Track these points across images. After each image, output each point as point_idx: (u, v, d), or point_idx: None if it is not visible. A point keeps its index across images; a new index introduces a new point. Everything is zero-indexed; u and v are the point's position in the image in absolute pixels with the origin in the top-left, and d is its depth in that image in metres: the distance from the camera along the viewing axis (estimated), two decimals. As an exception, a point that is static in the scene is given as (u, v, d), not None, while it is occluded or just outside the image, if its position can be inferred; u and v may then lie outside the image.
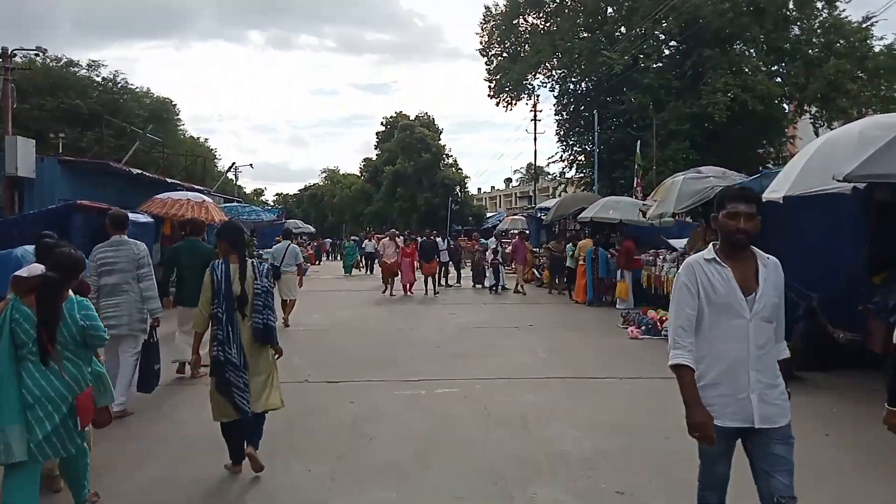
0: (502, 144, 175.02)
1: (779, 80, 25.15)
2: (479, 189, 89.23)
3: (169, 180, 18.24)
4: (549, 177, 59.06)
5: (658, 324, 10.83)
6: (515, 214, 35.39)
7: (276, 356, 4.86)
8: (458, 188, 60.32)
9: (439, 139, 62.19)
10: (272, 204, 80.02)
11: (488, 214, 64.63)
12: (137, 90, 48.11)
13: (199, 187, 19.96)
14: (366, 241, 28.55)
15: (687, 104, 25.11)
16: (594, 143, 29.13)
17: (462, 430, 5.64)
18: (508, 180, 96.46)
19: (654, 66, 26.18)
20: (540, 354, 9.25)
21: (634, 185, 23.63)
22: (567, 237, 19.55)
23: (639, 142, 24.17)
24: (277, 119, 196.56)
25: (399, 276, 17.55)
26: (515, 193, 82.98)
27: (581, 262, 16.03)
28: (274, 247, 13.04)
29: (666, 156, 24.79)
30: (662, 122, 25.73)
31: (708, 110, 23.96)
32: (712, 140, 26.82)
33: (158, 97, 49.50)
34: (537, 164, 39.50)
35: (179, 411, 6.48)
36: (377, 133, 69.31)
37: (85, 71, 43.49)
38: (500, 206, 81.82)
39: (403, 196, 59.23)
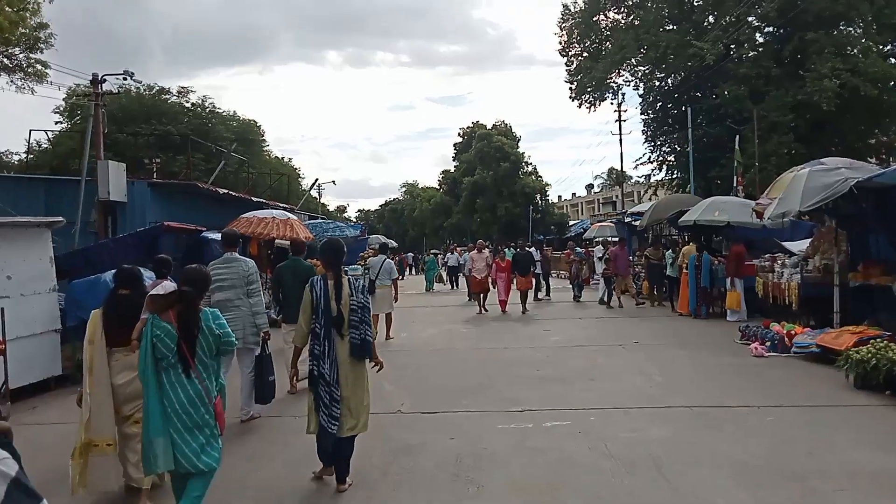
0: (582, 151, 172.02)
1: (893, 60, 22.75)
2: (560, 197, 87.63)
3: (255, 199, 18.26)
4: (633, 180, 57.07)
5: (786, 339, 9.57)
6: (602, 221, 33.95)
7: (377, 368, 4.90)
8: (538, 196, 59.10)
9: (517, 147, 61.20)
10: (354, 220, 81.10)
11: (571, 222, 63.10)
12: (224, 114, 49.88)
13: (284, 205, 19.93)
14: (448, 255, 27.73)
15: (789, 93, 23.20)
16: (685, 141, 27.47)
17: (585, 479, 4.77)
18: (590, 186, 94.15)
19: (750, 54, 24.36)
20: (654, 377, 8.23)
21: (735, 185, 22.00)
22: (663, 243, 18.27)
23: (738, 137, 22.51)
24: (357, 136, 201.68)
25: (488, 291, 16.29)
26: (598, 199, 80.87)
27: (685, 271, 14.78)
28: (370, 260, 13.34)
29: (768, 151, 23.04)
30: (762, 115, 23.94)
31: (814, 98, 22.00)
32: (818, 131, 24.78)
33: (244, 119, 51.06)
34: (622, 168, 37.06)
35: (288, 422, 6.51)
36: (454, 144, 69.22)
37: (175, 98, 45.32)
38: (582, 214, 79.97)
39: (483, 207, 58.54)
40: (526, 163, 60.66)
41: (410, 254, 54.23)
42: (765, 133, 23.51)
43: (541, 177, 61.07)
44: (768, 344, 9.71)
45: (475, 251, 16.82)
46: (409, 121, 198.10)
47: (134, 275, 4.98)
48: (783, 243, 14.36)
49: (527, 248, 17.41)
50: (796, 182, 10.01)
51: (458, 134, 68.19)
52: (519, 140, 62.43)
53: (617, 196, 76.89)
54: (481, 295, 16.23)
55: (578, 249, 20.35)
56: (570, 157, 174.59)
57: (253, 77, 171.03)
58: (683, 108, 29.41)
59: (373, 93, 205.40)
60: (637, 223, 25.43)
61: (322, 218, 23.70)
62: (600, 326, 13.36)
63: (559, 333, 12.37)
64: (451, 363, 9.64)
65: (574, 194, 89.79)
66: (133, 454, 4.59)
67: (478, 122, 65.85)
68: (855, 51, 22.88)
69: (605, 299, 17.11)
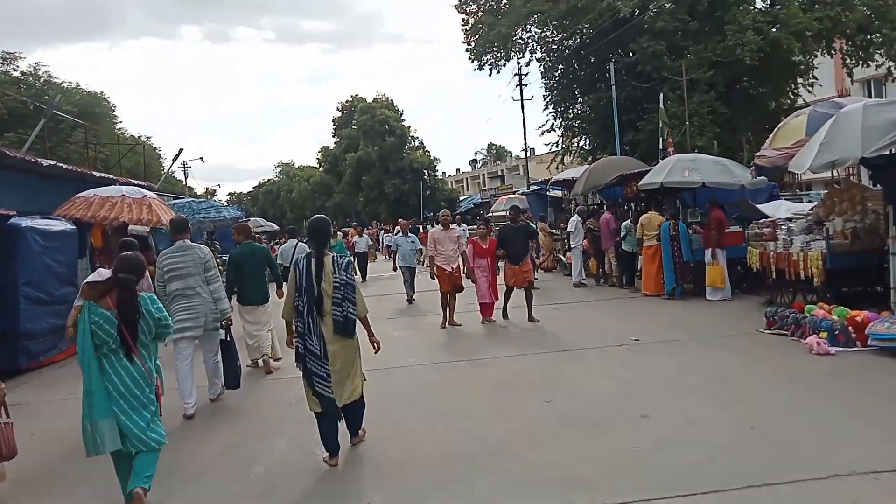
0: (459, 127, 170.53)
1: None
2: (444, 173, 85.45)
3: (97, 174, 13.88)
4: (514, 154, 55.63)
5: (849, 329, 7.21)
6: (512, 192, 31.57)
7: (375, 349, 5.01)
8: (427, 172, 56.27)
9: (403, 121, 57.95)
10: (226, 203, 74.68)
11: (461, 198, 61.00)
12: (64, 85, 42.82)
13: (139, 182, 15.63)
14: (355, 237, 22.16)
15: (708, 48, 21.60)
16: (598, 103, 25.50)
17: None
18: (474, 161, 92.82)
19: (667, 5, 22.54)
20: (731, 409, 5.51)
21: (662, 147, 20.13)
22: (589, 213, 15.91)
23: (661, 96, 20.64)
24: (222, 116, 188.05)
25: (461, 290, 10.57)
26: (483, 174, 79.38)
27: (649, 244, 12.39)
28: (282, 246, 12.44)
29: (689, 110, 21.32)
30: (679, 72, 22.25)
31: (736, 52, 20.46)
32: (732, 89, 23.51)
33: (89, 91, 44.27)
34: (525, 135, 35.01)
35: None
36: (333, 119, 64.76)
37: (0, 64, 38.10)
38: (468, 189, 78.22)
39: (369, 184, 54.98)
40: (412, 137, 57.55)
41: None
42: (683, 92, 21.85)
43: (428, 151, 58.21)
44: (825, 335, 7.31)
45: (439, 227, 10.72)
46: (278, 100, 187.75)
47: None
48: (761, 206, 12.38)
49: (520, 220, 11.30)
50: (845, 122, 7.63)
51: (337, 108, 63.80)
52: (402, 114, 59.19)
53: (502, 171, 76.27)
54: (451, 294, 10.39)
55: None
56: (446, 133, 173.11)
57: (101, 53, 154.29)
58: (592, 69, 27.51)
59: (237, 70, 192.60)
60: (555, 193, 23.28)
61: (191, 198, 19.09)
62: (572, 319, 10.61)
63: (530, 331, 9.55)
64: (417, 406, 6.52)
65: (458, 170, 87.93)
66: None
67: (357, 95, 61.82)
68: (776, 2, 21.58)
69: (582, 280, 14.62)
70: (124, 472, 4.01)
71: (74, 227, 10.62)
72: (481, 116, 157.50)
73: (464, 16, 28.70)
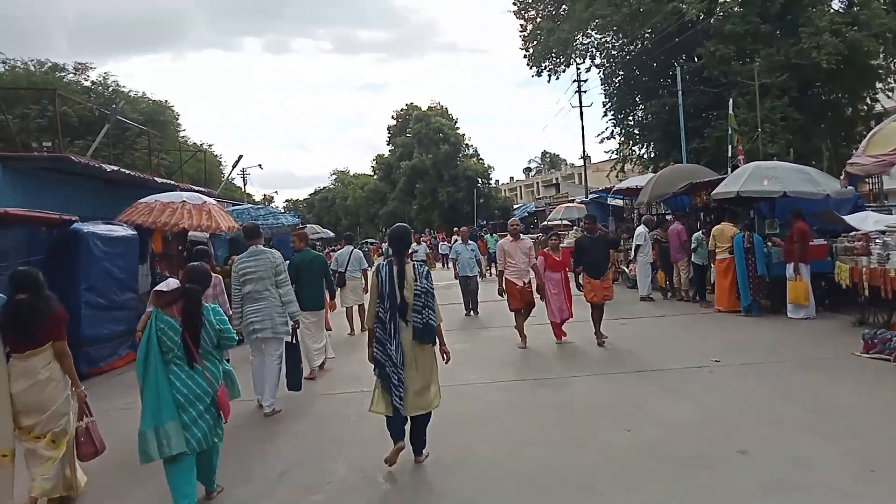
0: (513, 136, 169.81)
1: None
2: (497, 181, 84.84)
3: (159, 180, 13.98)
4: (569, 163, 54.72)
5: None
6: (570, 201, 30.86)
7: (445, 359, 5.00)
8: (480, 180, 55.82)
9: (457, 128, 57.74)
10: (283, 210, 75.90)
11: (514, 206, 60.33)
12: (131, 94, 44.13)
13: (199, 188, 15.72)
14: (413, 245, 22.24)
15: (780, 52, 20.57)
16: (662, 109, 24.61)
17: None
18: (528, 169, 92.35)
19: (735, 9, 21.61)
20: (843, 445, 4.90)
21: (731, 154, 19.20)
22: (656, 223, 15.12)
23: (730, 101, 19.71)
24: (279, 125, 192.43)
25: (533, 306, 9.46)
26: (538, 182, 78.57)
27: (722, 256, 11.68)
28: (336, 253, 12.61)
29: (760, 116, 20.33)
30: (750, 77, 21.28)
31: (812, 56, 19.40)
32: (805, 95, 22.35)
33: (154, 100, 45.50)
34: (584, 142, 34.26)
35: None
36: (388, 128, 65.08)
37: (73, 75, 39.45)
38: (521, 197, 77.47)
39: (423, 192, 54.90)
40: (467, 145, 57.24)
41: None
42: (754, 98, 20.87)
43: (482, 159, 57.81)
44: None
45: (508, 238, 9.60)
46: (333, 109, 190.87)
47: (30, 277, 4.52)
48: (848, 218, 11.51)
49: (599, 229, 10.33)
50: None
51: (392, 116, 64.20)
52: (457, 122, 58.99)
53: (556, 179, 75.30)
54: (523, 312, 9.40)
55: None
56: (501, 143, 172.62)
57: (166, 65, 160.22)
58: (654, 75, 26.66)
59: (294, 80, 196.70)
60: (616, 202, 22.52)
61: (250, 205, 19.12)
62: (642, 336, 9.99)
63: (599, 349, 8.99)
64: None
65: (512, 178, 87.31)
66: (37, 470, 4.32)
67: (412, 103, 61.94)
68: (855, 2, 20.41)
69: (649, 293, 13.89)
70: (178, 480, 4.08)
71: (135, 232, 10.60)
72: (535, 125, 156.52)
73: (522, 22, 28.28)
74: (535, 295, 9.36)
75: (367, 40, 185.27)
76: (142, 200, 11.62)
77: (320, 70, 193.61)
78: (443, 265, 26.66)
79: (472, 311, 13.05)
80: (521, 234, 9.55)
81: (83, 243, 9.02)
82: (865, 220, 11.80)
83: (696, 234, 12.72)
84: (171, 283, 4.29)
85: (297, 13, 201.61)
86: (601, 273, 9.26)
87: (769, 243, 11.30)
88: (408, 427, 4.89)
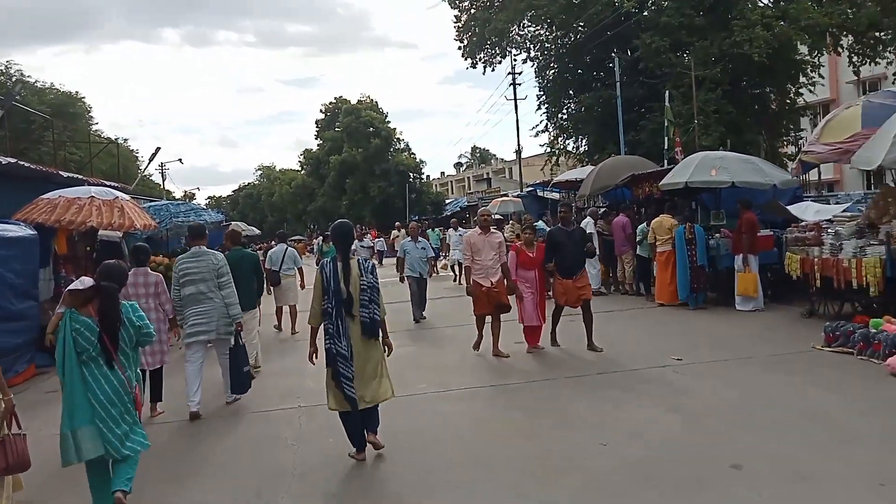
0: (444, 132, 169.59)
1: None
2: (428, 176, 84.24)
3: (65, 174, 12.59)
4: (499, 157, 54.72)
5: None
6: (504, 195, 30.49)
7: (387, 352, 5.03)
8: (412, 175, 55.04)
9: (388, 122, 56.72)
10: (205, 206, 72.95)
11: (447, 201, 59.87)
12: (37, 84, 41.12)
13: (112, 183, 14.36)
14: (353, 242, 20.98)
15: (714, 44, 20.75)
16: (597, 102, 24.53)
17: None
18: (459, 164, 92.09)
19: (668, 2, 21.69)
20: (840, 454, 4.48)
21: (668, 147, 19.22)
22: (599, 215, 14.80)
23: (667, 93, 19.71)
24: (203, 120, 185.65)
25: (506, 310, 8.27)
26: (469, 177, 78.38)
27: (662, 249, 11.46)
28: (271, 251, 12.01)
29: (692, 109, 20.45)
30: (681, 71, 21.41)
31: (745, 49, 19.63)
32: (737, 88, 22.70)
33: (64, 91, 42.55)
34: (518, 135, 33.94)
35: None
36: (317, 122, 63.49)
37: (-34, 63, 36.36)
38: (452, 192, 77.15)
39: (353, 187, 53.67)
40: (398, 139, 56.32)
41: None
42: (688, 90, 20.98)
43: (414, 154, 57.03)
44: (907, 356, 6.33)
45: (476, 231, 8.40)
46: (260, 104, 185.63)
47: None
48: (791, 207, 11.48)
49: (570, 218, 9.00)
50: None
51: (320, 110, 62.60)
52: (387, 116, 57.94)
53: (487, 174, 75.32)
54: (490, 314, 8.24)
55: (539, 225, 15.63)
56: (431, 138, 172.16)
57: (78, 56, 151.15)
58: (588, 68, 26.60)
59: (217, 74, 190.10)
60: (554, 195, 22.32)
61: (169, 201, 17.57)
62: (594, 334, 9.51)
63: (551, 349, 8.44)
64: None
65: (443, 173, 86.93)
66: None
67: (341, 97, 60.50)
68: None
69: (599, 287, 13.18)
70: (97, 482, 4.04)
71: (35, 232, 9.36)
72: (465, 120, 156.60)
73: (456, 12, 27.64)
74: (507, 297, 8.13)
75: (295, 34, 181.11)
76: (44, 196, 10.35)
77: (245, 64, 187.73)
78: (378, 262, 25.90)
79: (420, 317, 11.54)
80: (491, 228, 8.25)
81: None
82: (806, 210, 11.83)
83: (640, 226, 12.47)
84: (86, 282, 4.18)
85: (220, 4, 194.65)
86: (574, 272, 8.21)
87: (717, 234, 11.11)
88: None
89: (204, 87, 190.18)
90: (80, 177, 13.01)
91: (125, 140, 50.74)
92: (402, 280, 12.00)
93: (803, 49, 21.78)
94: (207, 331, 6.49)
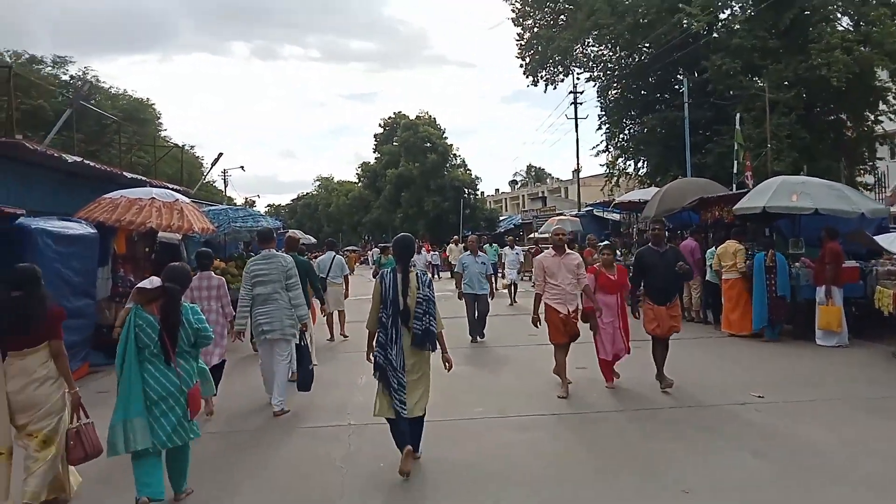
0: (499, 150, 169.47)
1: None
2: (483, 193, 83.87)
3: (129, 175, 12.75)
4: (554, 177, 54.02)
5: None
6: (561, 214, 29.91)
7: (448, 367, 5.11)
8: (467, 190, 54.79)
9: (445, 138, 56.74)
10: (263, 214, 74.24)
11: (500, 217, 59.43)
12: (111, 89, 42.62)
13: (174, 186, 14.50)
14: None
15: (789, 68, 19.86)
16: (656, 124, 23.83)
17: None
18: (514, 182, 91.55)
19: (735, 27, 20.94)
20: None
21: (738, 171, 18.41)
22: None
23: (738, 116, 18.93)
24: (266, 131, 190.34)
25: (577, 337, 7.32)
26: (523, 195, 77.84)
27: (728, 276, 10.82)
28: (319, 258, 12.18)
29: (765, 134, 19.58)
30: (754, 93, 20.57)
31: (822, 72, 18.68)
32: (811, 113, 21.66)
33: (135, 98, 43.98)
34: (578, 155, 33.29)
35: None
36: (375, 136, 63.94)
37: (51, 68, 37.87)
38: (506, 210, 76.68)
39: (408, 200, 53.69)
40: (454, 155, 56.21)
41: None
42: (759, 114, 20.13)
43: (469, 170, 56.79)
44: None
45: (549, 252, 7.35)
46: (321, 117, 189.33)
47: (27, 275, 4.45)
48: (879, 238, 10.65)
49: (666, 239, 8.14)
50: None
51: (379, 124, 63.01)
52: (444, 132, 57.98)
53: (542, 192, 74.62)
54: (565, 344, 7.26)
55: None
56: (487, 156, 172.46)
57: (152, 66, 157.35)
58: (652, 88, 25.92)
59: (282, 87, 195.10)
60: (614, 216, 21.69)
61: (229, 206, 17.54)
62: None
63: (621, 379, 7.91)
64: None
65: (497, 190, 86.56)
66: (31, 471, 4.24)
67: (400, 112, 60.90)
68: (867, 19, 19.68)
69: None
70: (142, 470, 4.09)
71: (95, 231, 9.39)
72: (520, 139, 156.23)
73: (519, 30, 27.38)
74: (582, 324, 7.34)
75: (357, 49, 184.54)
76: (106, 196, 10.46)
77: (309, 78, 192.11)
78: (434, 276, 25.53)
79: (478, 337, 10.91)
80: (566, 248, 7.27)
81: (30, 240, 7.80)
82: (894, 242, 10.96)
83: (710, 251, 11.79)
84: (155, 281, 4.31)
85: (287, 20, 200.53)
86: (669, 298, 7.21)
87: (797, 264, 10.39)
88: None
89: (269, 99, 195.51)
90: (143, 178, 13.16)
91: (191, 147, 52.25)
92: (460, 297, 11.25)
93: (883, 75, 20.60)
94: (272, 330, 6.68)
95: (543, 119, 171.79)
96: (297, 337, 6.87)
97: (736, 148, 18.66)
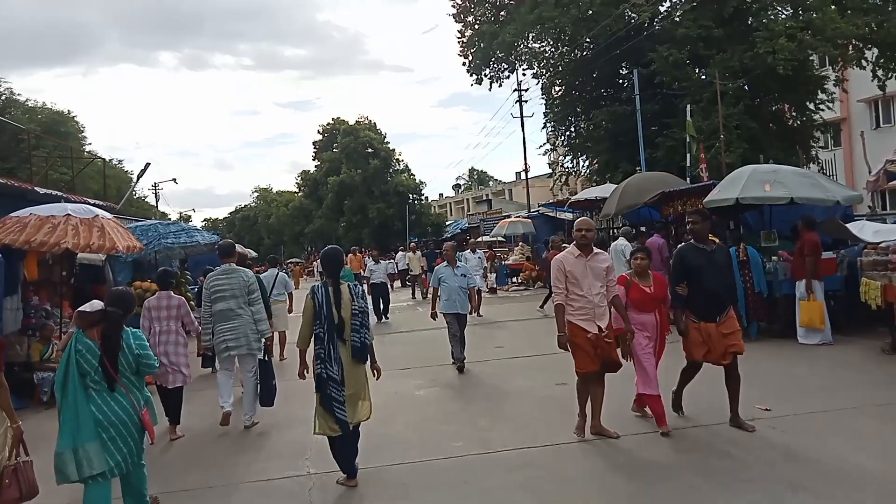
0: (440, 154, 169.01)
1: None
2: (427, 198, 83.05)
3: (42, 191, 11.32)
4: (496, 179, 53.73)
5: None
6: (508, 217, 29.27)
7: (377, 376, 5.12)
8: (412, 196, 53.90)
9: (387, 143, 55.71)
10: (198, 228, 71.46)
11: (447, 222, 58.73)
12: (28, 102, 40.00)
13: (95, 202, 13.09)
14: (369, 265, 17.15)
15: (734, 57, 19.75)
16: (605, 119, 23.49)
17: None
18: (457, 186, 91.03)
19: (680, 15, 20.76)
20: None
21: (690, 164, 18.10)
22: (633, 235, 13.53)
23: (688, 107, 18.65)
24: (199, 143, 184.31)
25: (618, 367, 5.73)
26: (468, 199, 77.38)
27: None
28: (262, 276, 10.33)
29: (714, 125, 19.42)
30: (702, 84, 20.44)
31: (768, 61, 18.62)
32: (756, 103, 21.68)
33: (54, 110, 41.42)
34: (525, 153, 32.86)
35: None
36: (314, 143, 62.23)
37: (-46, 81, 35.25)
38: (451, 214, 76.11)
39: (351, 208, 52.46)
40: (397, 160, 55.27)
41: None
42: (707, 105, 19.96)
43: (413, 174, 55.94)
44: None
45: (571, 251, 5.72)
46: (256, 126, 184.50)
47: None
48: (851, 225, 10.29)
49: (711, 236, 6.25)
50: None
51: (318, 131, 61.42)
52: (386, 136, 56.92)
53: (487, 195, 74.30)
54: (592, 382, 5.73)
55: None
56: (427, 161, 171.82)
57: (76, 79, 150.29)
58: (596, 84, 25.65)
59: (214, 97, 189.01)
60: (567, 215, 21.19)
61: (158, 221, 15.71)
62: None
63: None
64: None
65: (441, 195, 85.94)
66: None
67: (339, 118, 59.51)
68: (806, 5, 19.75)
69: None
70: (93, 497, 4.01)
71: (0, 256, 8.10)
72: (460, 143, 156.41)
73: (460, 27, 26.67)
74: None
75: (291, 57, 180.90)
76: (13, 214, 9.10)
77: (241, 87, 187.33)
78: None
79: (462, 358, 9.11)
80: (589, 245, 5.65)
81: None
82: (863, 230, 10.62)
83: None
84: (96, 305, 4.24)
85: (217, 27, 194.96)
86: (721, 311, 5.63)
87: (774, 258, 9.92)
88: None
89: (200, 110, 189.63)
90: (59, 193, 11.75)
91: (119, 161, 49.61)
92: (433, 317, 9.52)
93: (820, 64, 20.81)
94: (238, 346, 6.63)
95: (482, 122, 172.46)
96: (262, 352, 6.88)
97: (688, 140, 18.37)
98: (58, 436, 3.91)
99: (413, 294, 21.29)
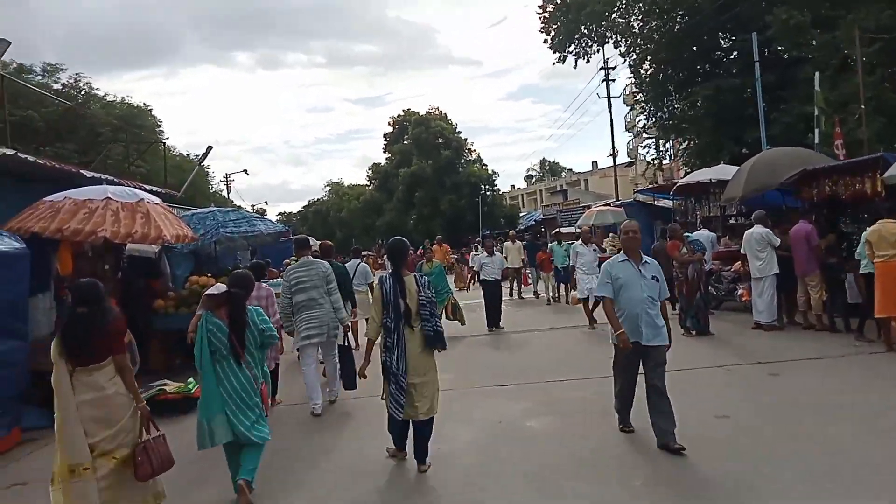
0: (510, 146, 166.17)
1: None
2: (499, 189, 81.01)
3: (88, 174, 10.04)
4: (568, 168, 51.08)
5: None
6: (596, 204, 26.94)
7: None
8: (484, 187, 52.00)
9: (458, 133, 53.98)
10: (259, 215, 71.87)
11: (520, 214, 56.58)
12: (107, 97, 40.29)
13: (151, 188, 11.81)
14: (475, 253, 16.65)
15: (870, 17, 16.93)
16: (709, 96, 20.95)
17: None
18: (529, 177, 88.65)
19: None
20: None
21: (820, 141, 15.52)
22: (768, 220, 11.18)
23: (816, 77, 16.03)
24: (274, 140, 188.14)
25: None
26: (541, 190, 74.83)
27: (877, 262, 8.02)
28: (346, 264, 10.39)
29: (845, 96, 16.71)
30: (826, 51, 17.69)
31: (914, 19, 15.79)
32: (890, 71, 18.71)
33: (131, 104, 41.62)
34: (613, 138, 30.51)
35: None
36: (385, 135, 61.29)
37: (41, 77, 35.61)
38: (524, 206, 73.82)
39: (422, 200, 51.01)
40: (469, 150, 53.46)
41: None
42: (834, 74, 17.25)
43: (486, 165, 54.04)
44: None
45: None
46: (328, 123, 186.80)
47: (91, 291, 4.25)
48: None
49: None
50: None
51: (389, 124, 60.34)
52: (457, 126, 55.23)
53: (561, 185, 71.58)
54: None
55: (693, 236, 11.54)
56: (496, 153, 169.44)
57: (158, 81, 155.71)
58: (692, 60, 23.06)
59: (288, 95, 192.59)
60: (665, 202, 18.83)
61: (216, 208, 13.92)
62: (822, 405, 6.12)
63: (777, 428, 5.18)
64: None
65: (513, 186, 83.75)
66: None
67: (409, 109, 58.24)
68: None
69: (772, 320, 9.92)
70: (233, 464, 4.55)
71: (23, 246, 6.75)
72: (530, 135, 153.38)
73: (541, 1, 24.59)
74: None
75: (361, 53, 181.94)
76: (46, 199, 7.83)
77: (315, 84, 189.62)
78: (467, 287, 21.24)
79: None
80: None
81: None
82: None
83: (864, 233, 8.72)
84: (221, 287, 4.64)
85: (290, 26, 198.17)
86: None
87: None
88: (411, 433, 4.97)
89: (276, 107, 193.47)
90: (107, 177, 10.48)
91: (196, 156, 49.80)
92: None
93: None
94: (319, 334, 6.92)
95: (552, 114, 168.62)
96: (342, 339, 7.33)
97: (816, 113, 15.76)
98: (198, 405, 4.47)
99: (511, 292, 18.26)
